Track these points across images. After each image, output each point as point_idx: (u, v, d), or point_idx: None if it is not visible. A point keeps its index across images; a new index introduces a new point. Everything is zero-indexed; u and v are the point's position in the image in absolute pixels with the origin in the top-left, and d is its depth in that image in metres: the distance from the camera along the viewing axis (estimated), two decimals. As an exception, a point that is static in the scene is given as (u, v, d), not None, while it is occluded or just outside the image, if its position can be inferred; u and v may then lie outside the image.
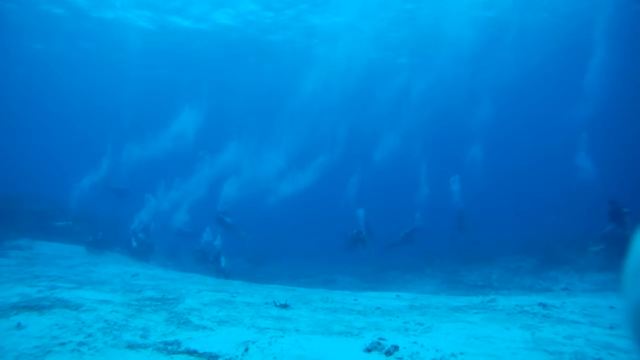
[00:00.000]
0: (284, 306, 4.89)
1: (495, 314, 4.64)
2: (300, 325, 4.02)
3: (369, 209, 12.38)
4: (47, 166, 34.68)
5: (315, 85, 21.98)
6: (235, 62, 23.32)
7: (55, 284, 5.41)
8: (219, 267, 10.08)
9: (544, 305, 4.98)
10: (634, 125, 22.70)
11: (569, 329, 3.95)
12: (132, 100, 27.35)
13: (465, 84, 22.54)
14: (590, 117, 17.26)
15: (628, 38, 16.94)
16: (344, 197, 19.45)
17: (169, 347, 3.17)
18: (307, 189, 21.92)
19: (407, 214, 14.22)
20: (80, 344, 3.11)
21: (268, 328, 3.83)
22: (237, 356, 3.03)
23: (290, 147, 22.62)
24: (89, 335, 3.31)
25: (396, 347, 3.21)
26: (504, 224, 18.25)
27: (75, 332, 3.36)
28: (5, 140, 35.19)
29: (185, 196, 16.17)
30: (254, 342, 3.35)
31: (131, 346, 3.17)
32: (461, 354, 3.14)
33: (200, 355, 3.04)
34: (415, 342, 3.42)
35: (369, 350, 3.21)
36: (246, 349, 3.17)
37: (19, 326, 3.37)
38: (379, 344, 3.29)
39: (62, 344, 3.08)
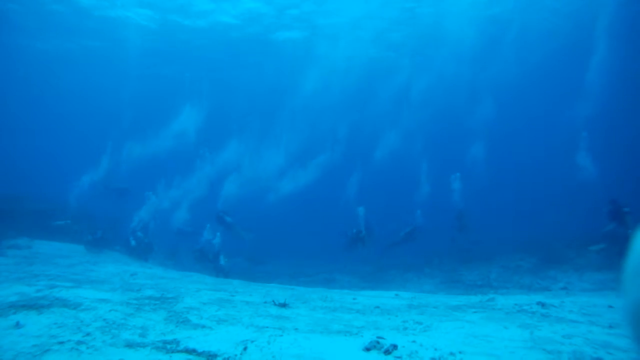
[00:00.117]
0: (283, 305, 4.89)
1: (494, 313, 4.64)
2: (299, 324, 4.02)
3: (369, 207, 12.35)
4: (46, 165, 34.64)
5: (315, 84, 21.95)
6: (236, 60, 23.25)
7: (54, 283, 5.41)
8: (218, 266, 10.08)
9: (542, 305, 4.99)
10: (635, 125, 22.70)
11: (568, 328, 3.95)
12: (133, 99, 27.30)
13: (466, 83, 22.52)
14: (591, 116, 17.25)
15: (629, 37, 16.90)
16: (344, 196, 19.44)
17: (168, 346, 3.17)
18: (307, 188, 21.92)
19: (407, 212, 14.21)
20: (79, 342, 3.11)
21: (267, 327, 3.83)
22: (235, 355, 3.03)
23: (290, 146, 22.61)
24: (88, 334, 3.31)
25: (395, 346, 3.21)
26: (503, 222, 18.26)
27: (73, 331, 3.36)
28: (4, 139, 35.16)
29: (185, 195, 16.16)
30: (252, 341, 3.35)
31: (130, 345, 3.16)
32: (460, 352, 3.15)
33: (199, 354, 3.04)
34: (414, 341, 3.42)
35: (368, 349, 3.21)
36: (245, 348, 3.17)
37: (17, 325, 3.37)
38: (378, 342, 3.29)
39: (61, 342, 3.08)
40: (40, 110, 33.24)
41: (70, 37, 20.58)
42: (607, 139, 20.11)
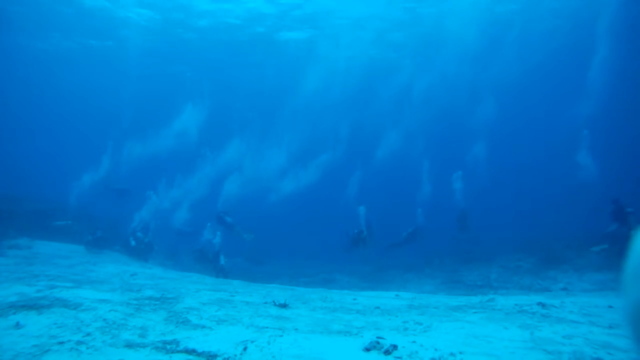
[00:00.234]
0: (283, 305, 4.89)
1: (494, 314, 4.64)
2: (299, 324, 4.01)
3: (370, 208, 12.32)
4: (47, 165, 34.64)
5: (317, 84, 21.93)
6: (238, 60, 23.22)
7: (54, 283, 5.41)
8: (218, 267, 10.07)
9: (543, 305, 4.99)
10: (636, 124, 22.65)
11: (568, 328, 3.95)
12: (133, 98, 27.29)
13: (467, 83, 22.49)
14: (592, 116, 17.22)
15: (631, 36, 16.86)
16: (344, 196, 19.42)
17: (168, 346, 3.17)
18: (308, 188, 21.91)
19: (409, 212, 14.18)
20: (79, 342, 3.11)
21: (267, 327, 3.83)
22: (235, 355, 3.03)
23: (290, 146, 22.61)
24: (88, 334, 3.31)
25: (395, 347, 3.21)
26: (503, 222, 18.25)
27: (73, 331, 3.36)
28: (4, 139, 35.15)
29: (185, 195, 16.16)
30: (252, 341, 3.34)
31: (130, 345, 3.16)
32: (460, 353, 3.14)
33: (199, 354, 3.04)
34: (414, 342, 3.42)
35: (368, 349, 3.20)
36: (245, 348, 3.17)
37: (17, 325, 3.37)
38: (378, 343, 3.29)
39: (61, 343, 3.08)
40: (40, 110, 33.22)
41: (70, 35, 20.56)
42: (609, 138, 20.09)
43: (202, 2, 17.45)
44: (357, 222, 11.77)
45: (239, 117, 24.94)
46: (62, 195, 14.71)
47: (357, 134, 25.96)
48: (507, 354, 3.17)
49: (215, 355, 3.01)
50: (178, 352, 3.07)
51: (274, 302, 5.05)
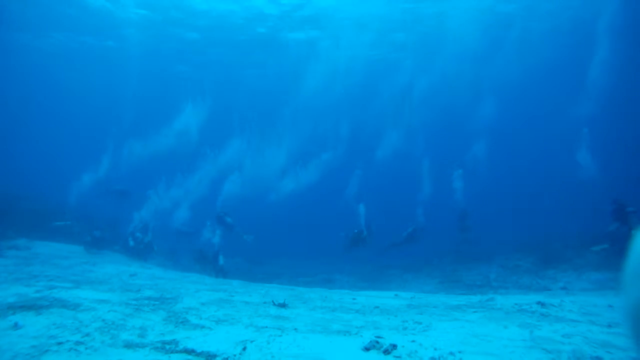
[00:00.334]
0: (283, 305, 4.88)
1: (493, 313, 4.64)
2: (299, 324, 4.01)
3: (370, 207, 12.31)
4: (46, 165, 34.58)
5: (317, 83, 21.89)
6: (238, 59, 23.14)
7: (53, 284, 5.39)
8: (217, 267, 10.06)
9: (542, 304, 4.99)
10: (637, 123, 22.64)
11: (567, 327, 3.95)
12: (133, 98, 27.24)
13: (468, 82, 22.48)
14: (593, 115, 17.21)
15: (632, 34, 16.83)
16: (344, 196, 19.41)
17: (167, 346, 3.17)
18: (307, 188, 21.90)
19: (409, 212, 14.18)
20: (78, 343, 3.10)
21: (266, 327, 3.82)
22: (234, 355, 3.02)
23: (290, 145, 22.59)
24: (87, 335, 3.30)
25: (394, 346, 3.21)
26: (503, 222, 18.27)
27: (72, 332, 3.35)
28: (3, 139, 35.07)
29: (185, 194, 16.14)
30: (252, 341, 3.34)
31: (129, 345, 3.16)
32: (459, 352, 3.14)
33: (198, 354, 3.03)
34: (413, 341, 3.42)
35: (367, 349, 3.20)
36: (244, 348, 3.16)
37: (15, 326, 3.36)
38: (378, 342, 3.28)
39: (60, 343, 3.07)
40: (39, 109, 33.15)
41: (69, 34, 20.48)
42: (609, 138, 20.09)
43: (202, 1, 17.41)
44: (357, 222, 11.77)
45: (240, 117, 24.93)
46: (61, 196, 14.70)
47: (357, 133, 25.95)
48: (506, 353, 3.17)
49: (215, 355, 3.01)
50: (177, 352, 3.07)
51: (273, 301, 5.04)
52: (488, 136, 21.67)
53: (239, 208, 14.58)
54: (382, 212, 15.06)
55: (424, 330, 3.85)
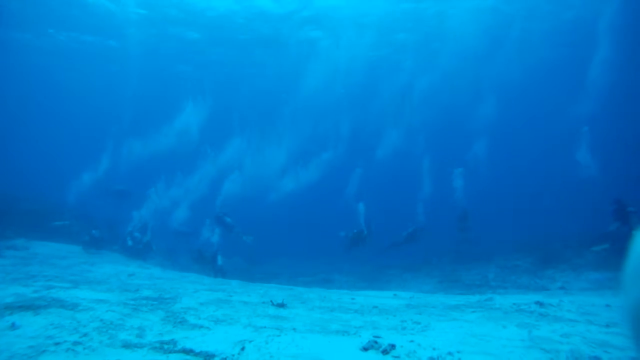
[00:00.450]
0: (281, 305, 4.88)
1: (492, 313, 4.64)
2: (297, 324, 4.01)
3: (370, 208, 12.29)
4: (45, 165, 34.51)
5: (317, 82, 21.85)
6: (239, 58, 23.09)
7: (51, 284, 5.38)
8: (216, 267, 10.06)
9: (540, 304, 4.99)
10: (638, 123, 22.65)
11: (566, 327, 3.96)
12: (133, 97, 27.18)
13: (468, 81, 22.47)
14: (594, 114, 17.20)
15: (633, 33, 16.82)
16: (344, 195, 19.40)
17: (165, 346, 3.16)
18: (307, 187, 21.89)
19: (410, 212, 14.17)
20: (76, 343, 3.09)
21: (265, 327, 3.82)
22: (233, 355, 3.02)
23: (290, 145, 22.58)
24: (85, 335, 3.29)
25: (393, 346, 3.21)
26: (502, 222, 18.29)
27: (70, 332, 3.34)
28: (1, 139, 34.98)
29: (184, 194, 16.12)
30: (250, 341, 3.34)
31: (127, 345, 3.15)
32: (458, 352, 3.14)
33: (197, 354, 3.03)
34: (412, 341, 3.42)
35: (366, 349, 3.20)
36: (242, 348, 3.16)
37: (13, 326, 3.35)
38: (376, 342, 3.28)
39: (57, 343, 3.06)
40: (38, 108, 33.07)
41: (68, 33, 20.40)
42: (610, 137, 20.09)
43: (203, 1, 17.36)
44: (356, 222, 11.76)
45: (240, 116, 24.89)
46: (60, 196, 14.67)
47: (357, 133, 25.95)
48: (505, 353, 3.17)
49: (213, 355, 3.00)
50: (175, 352, 3.06)
51: (271, 301, 5.04)
52: (488, 136, 21.70)
53: (239, 208, 14.57)
54: (382, 212, 15.07)
55: (423, 330, 3.85)
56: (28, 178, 25.68)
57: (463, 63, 20.73)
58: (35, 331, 3.29)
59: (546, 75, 22.57)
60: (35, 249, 9.43)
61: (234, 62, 23.40)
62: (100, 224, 12.06)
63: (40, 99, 31.27)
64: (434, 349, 3.21)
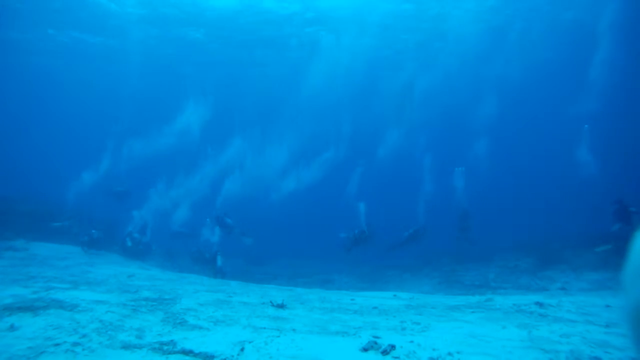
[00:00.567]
0: (281, 306, 4.87)
1: (492, 313, 4.64)
2: (297, 325, 4.00)
3: (370, 208, 12.25)
4: (44, 165, 34.47)
5: (319, 81, 21.82)
6: (239, 57, 23.06)
7: (51, 285, 5.38)
8: (215, 267, 10.05)
9: (540, 304, 4.99)
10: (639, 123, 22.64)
11: (566, 327, 3.95)
12: (132, 97, 27.14)
13: (469, 80, 22.46)
14: (594, 114, 17.19)
15: (634, 33, 16.81)
16: (344, 195, 19.37)
17: (165, 347, 3.15)
18: (307, 188, 21.87)
19: (410, 212, 14.14)
20: (75, 344, 3.09)
21: (264, 328, 3.82)
22: (232, 356, 3.01)
23: (291, 145, 22.56)
24: (84, 336, 3.29)
25: (393, 347, 3.20)
26: (502, 222, 18.29)
27: (69, 333, 3.33)
28: (0, 139, 34.95)
29: (184, 195, 16.10)
30: (250, 342, 3.33)
31: (126, 346, 3.14)
32: (458, 352, 3.14)
33: (196, 355, 3.02)
34: (412, 342, 3.41)
35: (365, 349, 3.20)
36: (242, 349, 3.15)
37: (12, 327, 3.34)
38: (376, 343, 3.28)
39: (56, 344, 3.06)
40: (36, 108, 33.03)
41: (67, 32, 20.35)
42: (611, 137, 20.09)
43: (204, 0, 17.33)
44: (357, 222, 11.71)
45: (241, 116, 24.87)
46: (59, 196, 14.64)
47: (358, 132, 25.92)
48: (504, 353, 3.17)
49: (213, 356, 3.00)
50: (175, 353, 3.06)
51: (271, 302, 5.03)
52: (488, 136, 21.70)
53: (239, 208, 14.55)
54: (383, 211, 15.05)
55: (423, 330, 3.84)
56: (27, 179, 25.66)
57: (464, 63, 20.73)
58: (34, 332, 3.29)
59: (546, 75, 22.58)
60: (35, 249, 9.42)
61: (234, 61, 23.38)
62: (100, 224, 12.03)
63: (40, 99, 31.24)
64: (433, 349, 3.21)
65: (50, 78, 26.79)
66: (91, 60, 23.34)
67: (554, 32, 18.45)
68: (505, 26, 18.21)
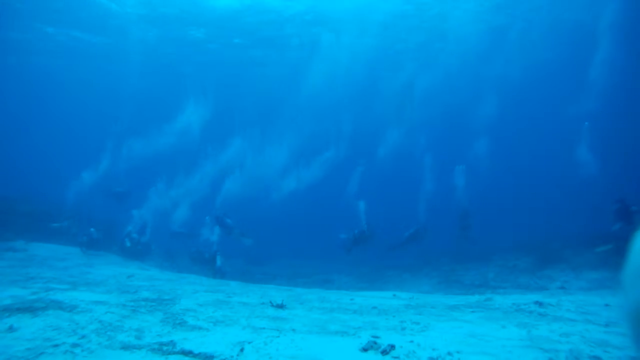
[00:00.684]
0: (280, 306, 4.87)
1: (491, 313, 4.64)
2: (296, 325, 4.00)
3: (371, 208, 12.22)
4: (43, 166, 34.42)
5: (319, 81, 21.78)
6: (240, 56, 23.02)
7: (50, 286, 5.37)
8: (215, 268, 10.04)
9: (540, 304, 4.99)
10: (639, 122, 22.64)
11: (565, 326, 3.96)
12: (132, 96, 27.09)
13: (469, 79, 22.45)
14: (595, 113, 17.17)
15: (634, 32, 16.80)
16: (345, 195, 19.34)
17: (164, 348, 3.15)
18: (307, 188, 21.86)
19: (411, 211, 14.13)
20: (74, 345, 3.08)
21: (264, 328, 3.81)
22: (232, 356, 3.01)
23: (291, 145, 22.55)
24: (83, 337, 3.28)
25: (392, 346, 3.20)
26: (501, 221, 18.30)
27: (68, 334, 3.33)
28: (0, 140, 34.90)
29: (183, 195, 16.08)
30: (249, 342, 3.33)
31: (125, 347, 3.14)
32: (457, 352, 3.14)
33: (196, 355, 3.02)
34: (411, 341, 3.41)
35: (365, 349, 3.19)
36: (241, 349, 3.15)
37: (11, 328, 3.33)
38: (375, 343, 3.28)
39: (55, 345, 3.05)
40: (37, 109, 32.96)
41: (65, 31, 20.28)
42: (611, 137, 20.07)
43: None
44: (357, 222, 11.69)
45: (241, 116, 24.82)
46: (59, 197, 14.62)
47: (358, 133, 25.90)
48: (504, 352, 3.17)
49: (212, 357, 2.99)
50: (174, 353, 3.05)
51: (271, 302, 5.03)
52: (488, 135, 21.71)
53: (238, 208, 14.53)
54: (383, 211, 15.04)
55: (422, 330, 3.84)
56: (27, 179, 25.61)
57: (464, 62, 20.72)
58: (33, 333, 3.28)
59: (546, 75, 22.59)
60: (34, 250, 9.40)
61: (235, 61, 23.35)
62: (99, 225, 12.01)
63: (40, 99, 31.18)
64: (433, 349, 3.21)
65: (49, 78, 26.74)
66: (91, 59, 23.27)
67: (554, 32, 18.46)
68: (505, 26, 18.22)
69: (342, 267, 13.15)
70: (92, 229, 10.61)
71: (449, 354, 3.10)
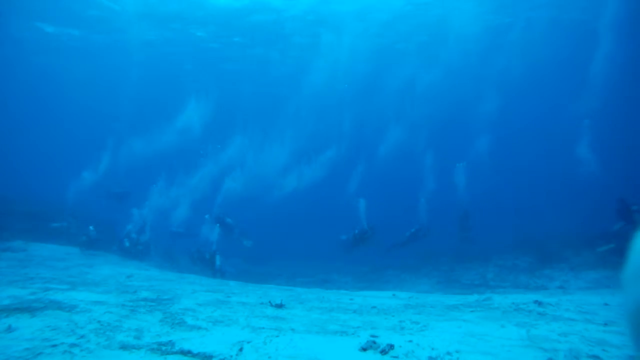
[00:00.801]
0: (280, 306, 4.87)
1: (490, 312, 4.64)
2: (296, 324, 4.00)
3: (371, 208, 12.22)
4: (42, 166, 34.38)
5: (320, 79, 21.74)
6: (240, 56, 22.98)
7: (49, 286, 5.36)
8: (214, 267, 10.03)
9: (539, 303, 5.00)
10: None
11: (564, 326, 3.96)
12: (132, 95, 27.05)
13: (470, 78, 22.43)
14: (596, 112, 17.17)
15: (634, 30, 16.79)
16: (345, 195, 19.33)
17: (163, 348, 3.15)
18: (307, 187, 21.85)
19: (411, 210, 14.12)
20: (72, 345, 3.08)
21: (263, 328, 3.81)
22: (231, 356, 3.01)
23: (291, 144, 22.55)
24: (82, 337, 3.28)
25: (392, 346, 3.20)
26: (501, 221, 18.28)
27: (67, 334, 3.32)
28: (-1, 140, 34.86)
29: (183, 195, 16.06)
30: (248, 342, 3.32)
31: (124, 347, 3.13)
32: (457, 352, 3.14)
33: (195, 355, 3.02)
34: (410, 341, 3.41)
35: (364, 349, 3.19)
36: (241, 349, 3.15)
37: (9, 329, 3.33)
38: (375, 342, 3.27)
39: (54, 345, 3.05)
40: (37, 109, 32.90)
41: (66, 30, 20.23)
42: (612, 136, 20.06)
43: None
44: (357, 222, 11.69)
45: (242, 114, 24.79)
46: (58, 197, 14.61)
47: (359, 131, 25.87)
48: (503, 352, 3.17)
49: (211, 357, 2.99)
50: (173, 353, 3.05)
51: (270, 302, 5.03)
52: (489, 134, 21.71)
53: (238, 208, 14.52)
54: (383, 210, 15.03)
55: (422, 330, 3.84)
56: (26, 179, 25.58)
57: (466, 61, 20.69)
58: (32, 333, 3.28)
59: (547, 73, 22.58)
60: (33, 250, 9.39)
61: (236, 59, 23.30)
62: (98, 225, 12.00)
63: (39, 98, 31.11)
64: (432, 348, 3.21)
65: (49, 77, 26.68)
66: (91, 58, 23.20)
67: (555, 31, 18.45)
68: (506, 25, 18.21)
69: (342, 267, 13.15)
70: (90, 227, 10.59)
71: (448, 353, 3.10)
